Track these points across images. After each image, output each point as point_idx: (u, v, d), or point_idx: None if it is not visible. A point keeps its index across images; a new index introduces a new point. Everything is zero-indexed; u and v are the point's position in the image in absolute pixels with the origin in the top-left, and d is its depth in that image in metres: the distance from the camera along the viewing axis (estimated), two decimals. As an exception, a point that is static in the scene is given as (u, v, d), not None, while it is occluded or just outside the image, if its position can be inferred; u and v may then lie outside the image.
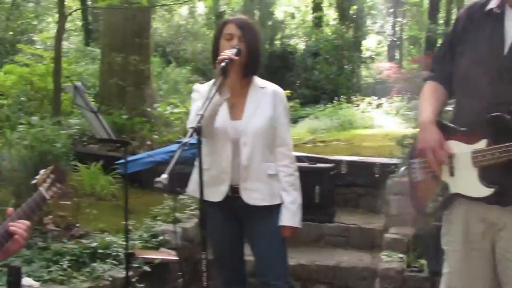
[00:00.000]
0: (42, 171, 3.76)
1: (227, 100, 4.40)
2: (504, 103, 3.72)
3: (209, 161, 4.58)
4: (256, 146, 4.53)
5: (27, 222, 3.48)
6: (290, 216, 4.51)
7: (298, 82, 22.33)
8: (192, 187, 4.70)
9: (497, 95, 3.79)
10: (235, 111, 4.56)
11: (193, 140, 3.85)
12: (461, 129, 3.92)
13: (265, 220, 4.58)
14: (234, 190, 4.56)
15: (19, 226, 3.42)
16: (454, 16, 28.64)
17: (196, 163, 4.44)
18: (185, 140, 3.78)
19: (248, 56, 4.46)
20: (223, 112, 4.50)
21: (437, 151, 3.90)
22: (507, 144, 3.66)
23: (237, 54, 4.29)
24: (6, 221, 3.44)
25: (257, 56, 4.63)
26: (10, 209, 3.54)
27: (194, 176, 4.68)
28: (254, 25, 4.73)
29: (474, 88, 3.92)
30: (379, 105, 18.59)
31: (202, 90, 4.60)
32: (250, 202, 4.53)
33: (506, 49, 3.82)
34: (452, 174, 3.93)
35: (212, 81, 4.51)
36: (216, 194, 4.58)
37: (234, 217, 4.73)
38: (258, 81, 4.65)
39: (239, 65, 4.40)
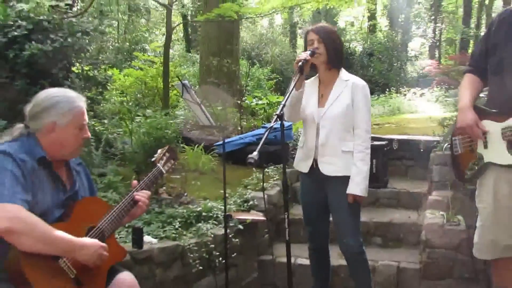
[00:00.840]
0: (159, 151, 3.94)
1: (320, 91, 4.77)
2: None
3: (303, 141, 4.85)
4: (332, 129, 4.63)
5: (148, 192, 3.64)
6: (354, 186, 4.55)
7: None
8: (295, 162, 4.95)
9: None
10: (322, 100, 4.72)
11: (277, 125, 3.90)
12: (493, 110, 4.01)
13: (340, 189, 4.64)
14: (315, 163, 4.70)
15: (143, 195, 3.59)
16: (484, 22, 28.22)
17: (298, 143, 4.96)
18: (270, 125, 3.90)
19: (327, 53, 4.60)
20: (314, 100, 4.75)
21: (474, 128, 3.99)
22: None
23: (311, 55, 4.46)
24: (132, 191, 3.58)
25: (337, 52, 4.70)
26: (134, 182, 3.68)
27: (296, 153, 4.95)
28: (330, 28, 4.84)
29: (504, 78, 3.97)
30: (422, 95, 18.52)
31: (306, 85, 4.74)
32: (326, 173, 4.66)
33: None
34: (485, 147, 4.04)
35: (313, 78, 4.85)
36: (304, 166, 4.79)
37: (320, 185, 4.80)
38: (344, 74, 4.74)
39: (324, 61, 4.63)
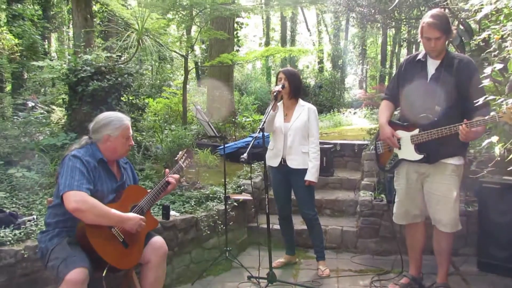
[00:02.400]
0: (180, 152, 4.01)
1: (284, 111, 4.88)
2: (429, 109, 3.83)
3: (273, 144, 4.90)
4: (295, 137, 4.75)
5: (177, 176, 3.71)
6: (310, 175, 4.68)
7: (311, 102, 22.06)
8: (266, 160, 4.85)
9: (424, 104, 3.89)
10: (287, 117, 4.84)
11: (259, 135, 4.15)
12: (404, 124, 4.16)
13: (300, 177, 4.74)
14: (284, 160, 4.81)
15: (173, 177, 3.66)
16: (394, 64, 28.43)
17: (269, 147, 4.97)
18: (255, 135, 4.15)
19: (290, 88, 4.76)
20: (281, 118, 4.85)
21: (390, 139, 4.13)
22: (429, 131, 3.83)
23: (282, 87, 4.67)
24: (165, 177, 3.65)
25: (297, 87, 4.83)
26: (167, 170, 3.76)
27: (267, 154, 4.89)
28: (294, 71, 4.95)
29: (410, 101, 4.10)
30: (355, 113, 18.52)
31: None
32: (291, 166, 4.78)
33: (428, 80, 3.88)
34: (399, 148, 4.17)
35: (279, 103, 4.93)
36: (275, 162, 4.86)
37: (285, 175, 4.89)
38: (301, 102, 4.90)
39: (287, 92, 4.78)
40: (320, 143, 7.03)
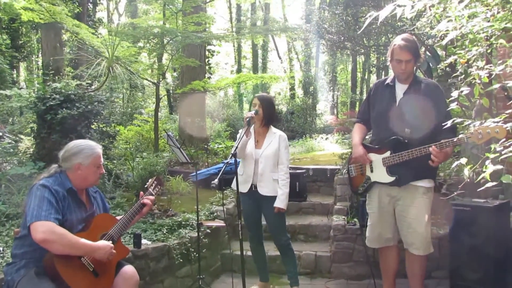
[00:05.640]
0: (150, 180, 3.94)
1: (256, 138, 4.86)
2: (398, 132, 3.94)
3: (243, 170, 4.85)
4: (266, 164, 4.75)
5: (153, 197, 3.72)
6: (279, 202, 4.67)
7: (283, 128, 22.26)
8: (233, 184, 4.68)
9: (393, 127, 3.97)
10: (258, 144, 4.83)
11: (231, 161, 4.12)
12: (376, 146, 4.22)
13: (271, 203, 4.72)
14: (254, 186, 4.78)
15: (149, 198, 3.68)
16: (364, 90, 28.88)
17: (238, 172, 4.80)
18: (227, 161, 4.14)
19: (263, 114, 4.79)
20: (252, 144, 4.83)
21: (363, 157, 4.19)
22: (400, 153, 3.95)
23: (255, 113, 4.71)
24: (140, 200, 3.67)
25: (270, 114, 4.86)
26: (142, 192, 3.75)
27: (238, 179, 4.77)
28: (268, 97, 5.00)
29: (381, 125, 4.19)
30: (326, 138, 18.64)
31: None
32: (262, 193, 4.75)
33: (397, 103, 3.95)
34: (372, 171, 4.23)
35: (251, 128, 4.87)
36: (245, 188, 4.81)
37: (256, 201, 4.85)
38: (273, 129, 4.90)
39: (260, 119, 4.79)
40: (293, 168, 7.05)
